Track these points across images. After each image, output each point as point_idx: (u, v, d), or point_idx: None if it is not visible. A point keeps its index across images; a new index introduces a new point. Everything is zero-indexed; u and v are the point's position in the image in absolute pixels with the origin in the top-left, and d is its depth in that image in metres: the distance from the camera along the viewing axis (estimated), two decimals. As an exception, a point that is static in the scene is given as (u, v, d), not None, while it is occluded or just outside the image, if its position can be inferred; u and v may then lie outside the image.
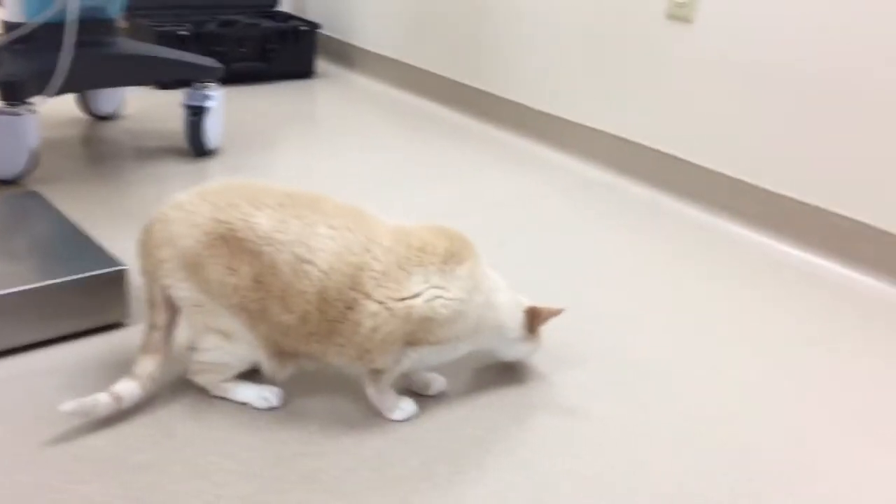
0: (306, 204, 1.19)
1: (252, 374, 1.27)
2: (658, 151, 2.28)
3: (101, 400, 1.17)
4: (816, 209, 1.95)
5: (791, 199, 1.99)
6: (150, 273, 1.21)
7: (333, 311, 1.15)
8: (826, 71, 1.89)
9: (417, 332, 1.17)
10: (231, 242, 1.15)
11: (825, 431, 1.31)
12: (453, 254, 1.20)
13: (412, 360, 1.22)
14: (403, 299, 1.15)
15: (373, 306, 1.15)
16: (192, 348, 1.26)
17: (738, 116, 2.10)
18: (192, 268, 1.17)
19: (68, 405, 1.14)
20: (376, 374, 1.22)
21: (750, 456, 1.23)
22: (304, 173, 2.28)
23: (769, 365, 1.49)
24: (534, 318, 1.30)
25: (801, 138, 1.97)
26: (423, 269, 1.17)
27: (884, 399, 1.40)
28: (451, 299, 1.18)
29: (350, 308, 1.15)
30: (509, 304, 1.28)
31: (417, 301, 1.16)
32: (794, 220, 1.99)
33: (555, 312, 1.31)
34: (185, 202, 1.20)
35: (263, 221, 1.16)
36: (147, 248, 1.21)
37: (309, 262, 1.14)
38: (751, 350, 1.54)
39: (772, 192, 2.03)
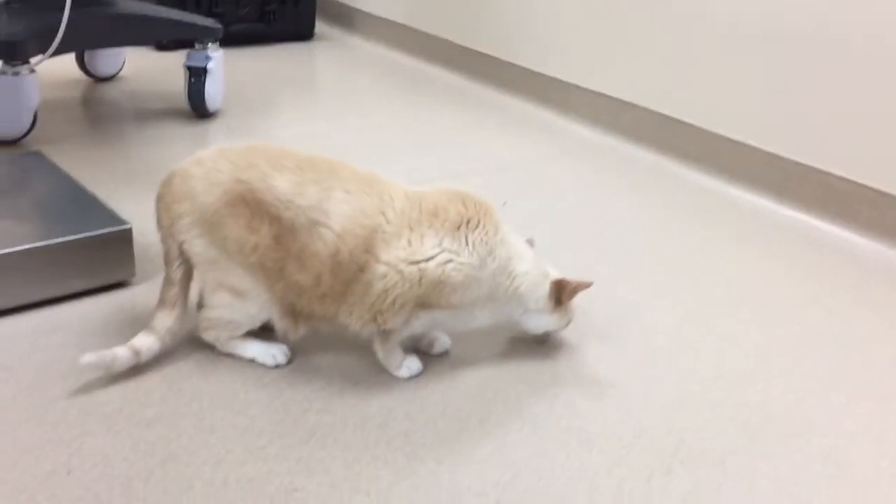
0: (324, 169, 1.19)
1: (261, 332, 1.28)
2: (660, 114, 2.28)
3: (120, 354, 1.19)
4: (815, 171, 1.95)
5: (790, 161, 2.00)
6: (167, 227, 1.22)
7: (346, 272, 1.16)
8: (827, 32, 1.88)
9: (430, 296, 1.18)
10: (251, 203, 1.16)
11: (823, 390, 1.33)
12: (468, 219, 1.19)
13: (423, 322, 1.23)
14: (416, 262, 1.16)
15: (383, 268, 1.15)
16: (201, 305, 1.27)
17: (739, 78, 2.09)
18: (210, 225, 1.18)
19: (87, 357, 1.16)
20: (386, 333, 1.23)
21: (748, 414, 1.25)
22: (305, 136, 2.27)
23: (768, 325, 1.51)
24: (561, 291, 1.27)
25: (802, 100, 1.96)
26: (435, 232, 1.17)
27: (880, 357, 1.42)
28: (462, 264, 1.18)
29: (362, 270, 1.16)
30: (532, 274, 1.25)
31: (430, 265, 1.16)
32: (794, 182, 1.99)
33: (584, 285, 1.27)
34: (206, 159, 1.20)
35: (283, 184, 1.16)
36: (165, 201, 1.22)
37: (325, 225, 1.15)
38: (750, 310, 1.55)
39: (772, 154, 2.03)
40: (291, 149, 1.22)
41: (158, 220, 1.23)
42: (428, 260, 1.16)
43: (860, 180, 1.87)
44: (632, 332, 1.45)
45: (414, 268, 1.16)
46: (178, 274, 1.23)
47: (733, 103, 2.12)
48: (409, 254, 1.16)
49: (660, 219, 1.93)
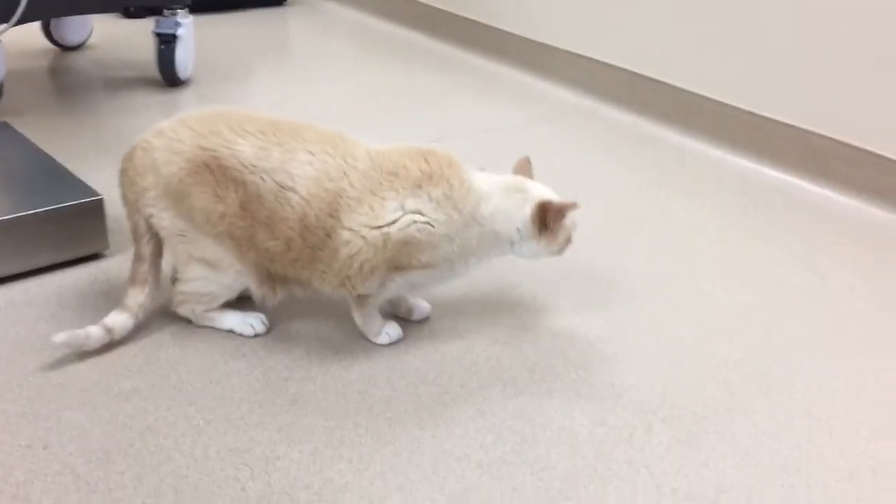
0: (287, 131, 1.17)
1: (240, 303, 1.26)
2: (640, 75, 2.26)
3: (93, 333, 1.17)
4: (794, 129, 1.94)
5: (770, 120, 1.99)
6: (133, 202, 1.20)
7: (314, 237, 1.14)
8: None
9: (399, 258, 1.17)
10: (216, 170, 1.14)
11: (802, 346, 1.33)
12: (429, 175, 1.16)
13: (400, 284, 1.21)
14: (378, 227, 1.14)
15: (347, 234, 1.14)
16: (175, 279, 1.25)
17: (716, 38, 2.07)
18: (176, 196, 1.16)
19: (60, 336, 1.14)
20: (362, 299, 1.22)
21: (730, 370, 1.26)
22: (279, 103, 2.23)
23: (749, 283, 1.51)
24: (545, 214, 1.19)
25: (780, 59, 1.95)
26: (396, 194, 1.15)
27: (859, 313, 1.43)
28: (427, 222, 1.15)
29: (329, 235, 1.14)
30: (503, 209, 1.19)
31: (392, 229, 1.14)
32: (773, 141, 1.99)
33: (569, 206, 1.19)
34: (167, 129, 1.18)
35: (246, 149, 1.14)
36: (129, 176, 1.19)
37: (290, 188, 1.13)
38: (731, 269, 1.56)
39: (752, 113, 2.02)
40: (254, 113, 1.20)
41: (123, 196, 1.21)
42: (390, 224, 1.14)
43: (838, 137, 1.87)
44: (612, 294, 1.45)
45: (377, 232, 1.14)
46: (147, 249, 1.21)
47: (713, 63, 2.10)
48: (370, 218, 1.14)
49: (640, 181, 1.92)
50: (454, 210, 1.17)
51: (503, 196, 1.20)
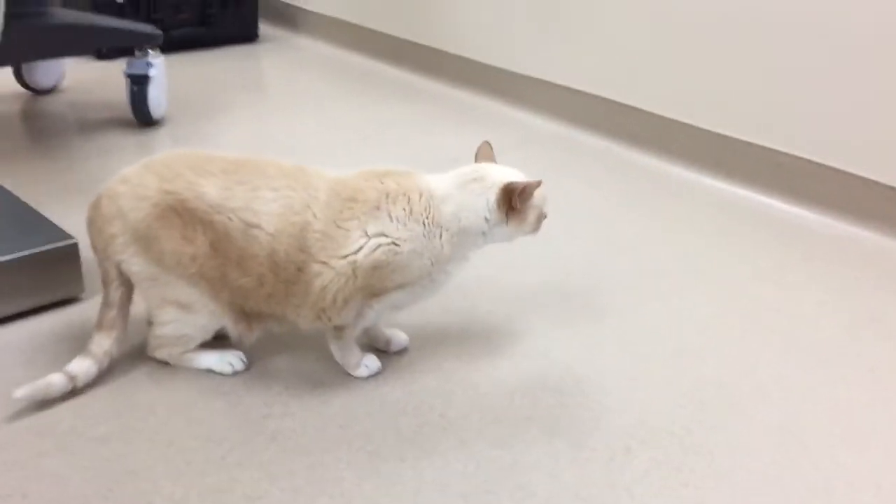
0: (250, 169, 1.18)
1: (218, 341, 1.27)
2: (608, 100, 2.30)
3: (55, 381, 1.16)
4: (763, 149, 1.98)
5: (739, 141, 2.03)
6: (102, 250, 1.20)
7: (286, 272, 1.15)
8: (770, 11, 1.92)
9: (373, 284, 1.17)
10: (182, 213, 1.15)
11: (774, 361, 1.35)
12: (386, 194, 1.16)
13: (380, 310, 1.22)
14: (345, 256, 1.14)
15: (316, 266, 1.14)
16: (150, 323, 1.26)
17: (684, 62, 2.12)
18: (145, 241, 1.16)
19: (21, 391, 1.13)
20: (338, 331, 1.22)
21: (703, 389, 1.27)
22: (253, 140, 2.25)
23: (720, 301, 1.53)
24: (510, 196, 1.17)
25: (747, 80, 2.00)
26: (357, 221, 1.15)
27: (829, 327, 1.45)
28: (390, 244, 1.15)
29: (301, 270, 1.15)
30: (465, 204, 1.18)
31: (359, 256, 1.14)
32: (743, 161, 2.03)
33: (533, 185, 1.18)
34: (131, 175, 1.19)
35: (210, 190, 1.15)
36: (96, 224, 1.20)
37: (256, 226, 1.14)
38: (702, 287, 1.58)
39: (721, 134, 2.06)
40: (215, 153, 1.21)
41: (92, 243, 1.22)
42: (356, 252, 1.14)
43: (807, 156, 1.91)
44: (587, 315, 1.47)
45: (344, 262, 1.14)
46: (116, 295, 1.21)
47: (680, 86, 2.14)
48: (337, 248, 1.14)
49: (612, 203, 1.95)
50: (416, 223, 1.16)
51: (461, 191, 1.19)
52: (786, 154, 1.95)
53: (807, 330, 1.45)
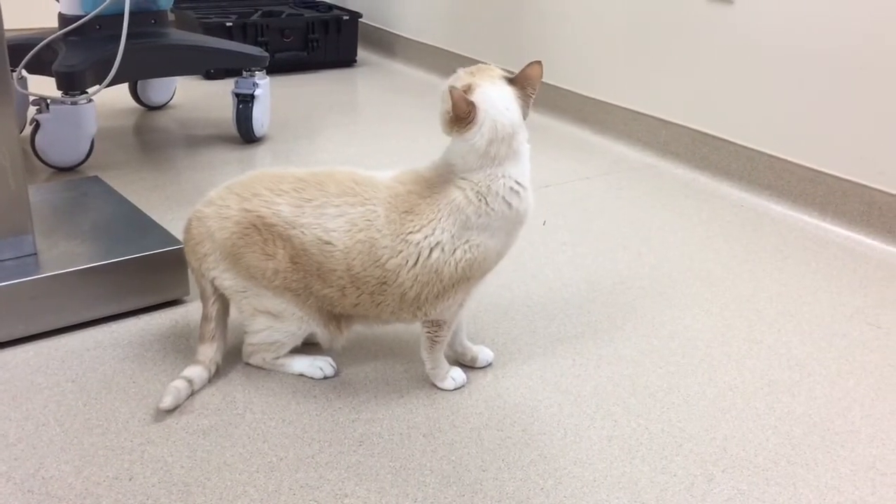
0: (313, 185, 1.22)
1: (305, 348, 1.33)
2: (699, 132, 2.29)
3: (182, 386, 1.24)
4: (858, 186, 1.95)
5: (832, 177, 2.00)
6: (197, 269, 1.28)
7: (368, 286, 1.20)
8: (867, 48, 1.89)
9: (462, 281, 1.20)
10: (262, 229, 1.21)
11: (866, 400, 1.33)
12: (438, 205, 1.18)
13: (469, 294, 1.24)
14: (415, 266, 1.17)
15: (398, 281, 1.18)
16: (244, 332, 1.33)
17: (780, 95, 2.10)
18: (232, 258, 1.24)
19: (166, 401, 1.20)
20: (437, 329, 1.25)
21: (791, 423, 1.26)
22: (347, 159, 2.33)
23: (812, 338, 1.51)
24: (458, 114, 1.18)
25: (842, 116, 1.97)
26: (420, 234, 1.17)
27: (927, 370, 1.42)
28: (466, 243, 1.17)
29: (384, 283, 1.19)
30: (462, 190, 1.18)
31: (432, 261, 1.17)
32: (836, 197, 1.99)
33: (460, 92, 1.19)
34: (215, 197, 1.26)
35: (284, 207, 1.20)
36: (189, 245, 1.28)
37: (328, 242, 1.19)
38: (793, 324, 1.56)
39: (814, 169, 2.03)
40: (287, 171, 1.26)
41: (189, 263, 1.30)
42: (427, 259, 1.17)
43: (902, 193, 1.87)
44: (673, 345, 1.47)
45: (417, 272, 1.17)
46: (213, 310, 1.29)
47: (773, 120, 2.13)
48: (408, 263, 1.17)
49: (700, 235, 1.94)
50: (475, 215, 1.17)
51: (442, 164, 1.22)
52: (879, 191, 1.90)
53: (901, 370, 1.41)
